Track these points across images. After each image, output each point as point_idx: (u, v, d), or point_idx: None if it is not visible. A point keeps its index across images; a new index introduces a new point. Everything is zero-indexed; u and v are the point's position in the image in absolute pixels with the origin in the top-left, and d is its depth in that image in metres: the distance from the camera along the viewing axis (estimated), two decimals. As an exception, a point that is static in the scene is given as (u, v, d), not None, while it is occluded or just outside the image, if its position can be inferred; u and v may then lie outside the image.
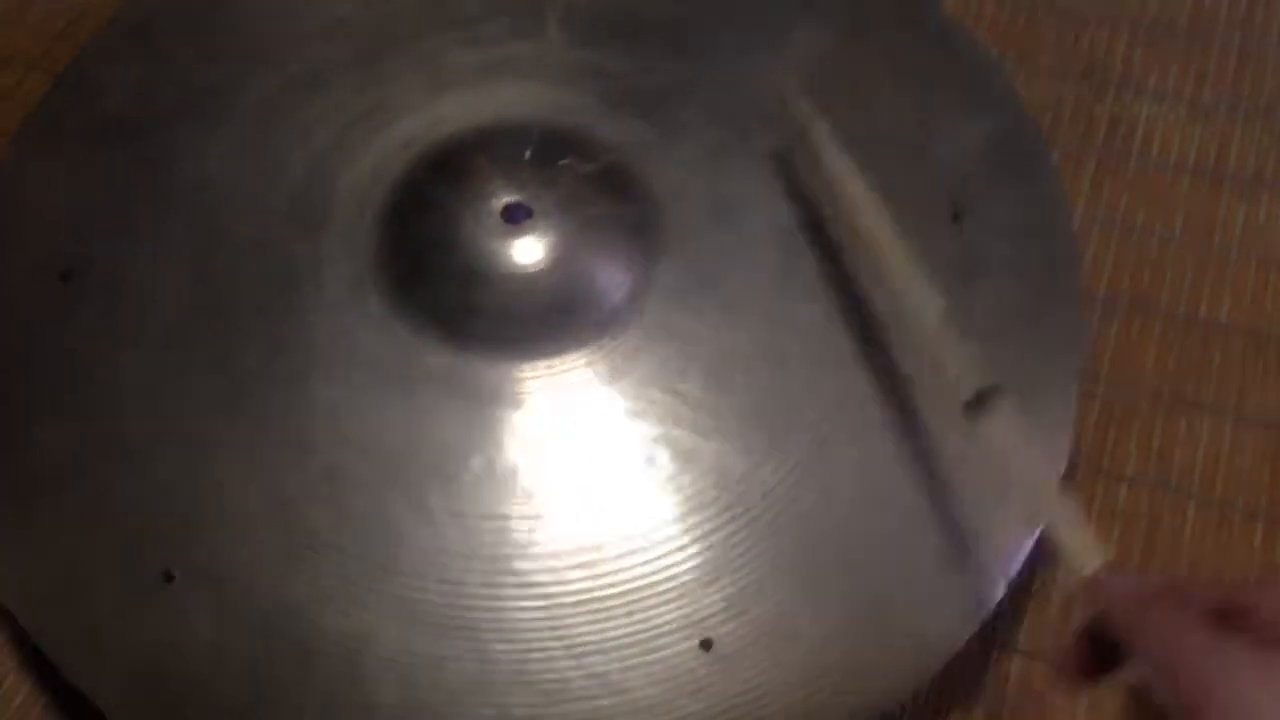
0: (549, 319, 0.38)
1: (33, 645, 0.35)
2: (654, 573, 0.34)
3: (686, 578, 0.34)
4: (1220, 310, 0.43)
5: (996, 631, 0.37)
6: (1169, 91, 0.48)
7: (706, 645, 0.34)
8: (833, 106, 0.41)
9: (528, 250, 0.39)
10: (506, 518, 0.35)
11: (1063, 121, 0.48)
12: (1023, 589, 0.38)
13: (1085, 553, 0.28)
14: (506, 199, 0.39)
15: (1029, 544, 0.35)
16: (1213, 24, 0.50)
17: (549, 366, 0.37)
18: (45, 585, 0.35)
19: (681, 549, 0.35)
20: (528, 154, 0.41)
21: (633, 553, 0.35)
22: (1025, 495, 0.34)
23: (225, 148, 0.41)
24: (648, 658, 0.33)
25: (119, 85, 0.43)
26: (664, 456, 0.36)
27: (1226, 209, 0.45)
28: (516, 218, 0.39)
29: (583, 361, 0.37)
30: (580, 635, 0.34)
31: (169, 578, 0.35)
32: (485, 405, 0.37)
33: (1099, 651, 0.27)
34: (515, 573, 0.35)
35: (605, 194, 0.40)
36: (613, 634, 0.34)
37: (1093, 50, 0.50)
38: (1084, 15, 0.50)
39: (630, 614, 0.34)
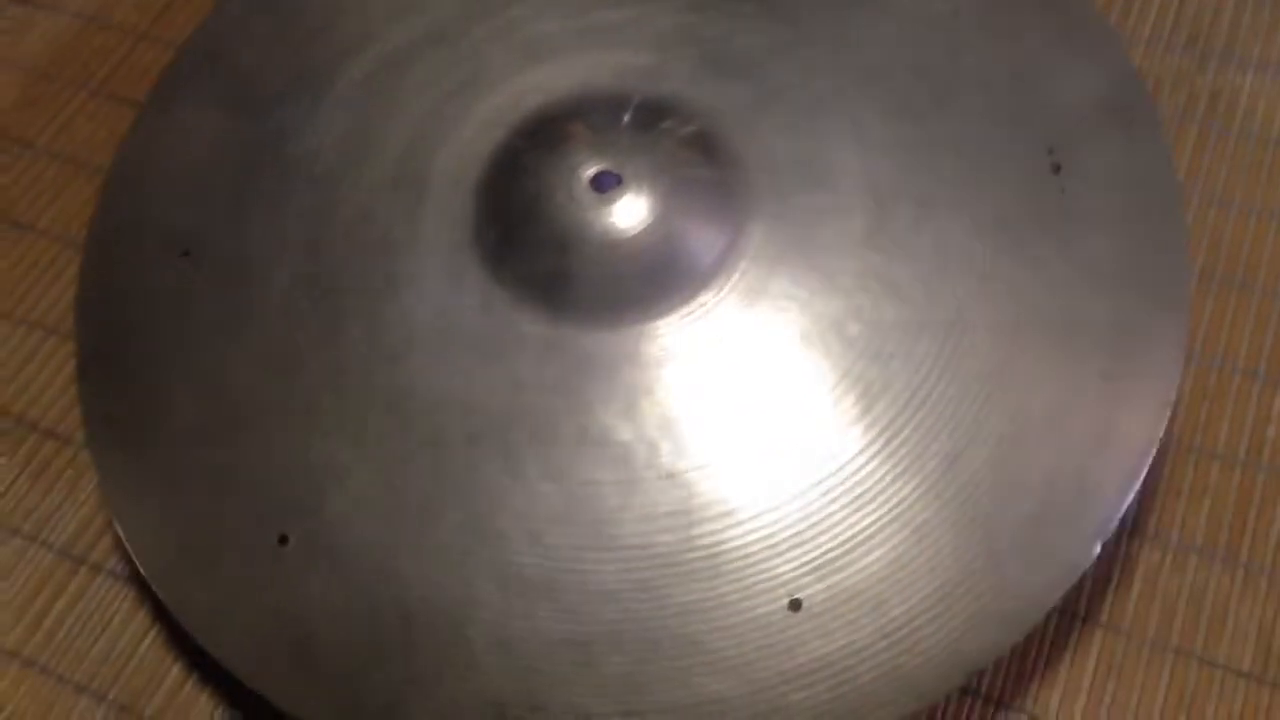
0: (642, 285, 0.39)
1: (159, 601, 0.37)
2: (744, 534, 0.35)
3: (776, 538, 0.35)
4: (1320, 287, 0.43)
5: (1080, 604, 0.37)
6: (1272, 63, 0.48)
7: (795, 605, 0.34)
8: (926, 50, 0.42)
9: (620, 217, 0.39)
10: (600, 483, 0.36)
11: (1163, 92, 0.47)
12: (1108, 564, 0.38)
13: None
14: (595, 167, 0.40)
15: (1122, 510, 0.35)
16: (1320, -6, 0.49)
17: (642, 333, 0.38)
18: (173, 551, 0.37)
19: (771, 510, 0.35)
20: (625, 119, 0.41)
21: (724, 515, 0.35)
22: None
23: (332, 124, 0.42)
24: (737, 618, 0.34)
25: (234, 65, 0.44)
26: (755, 420, 0.37)
27: (1329, 184, 0.45)
28: (606, 185, 0.40)
29: (675, 328, 0.38)
30: (669, 597, 0.35)
31: (284, 541, 0.37)
32: (581, 370, 0.38)
33: None
34: (609, 537, 0.36)
35: (696, 159, 0.41)
36: (701, 595, 0.35)
37: (1196, 20, 0.49)
38: (1187, -16, 0.50)
39: (717, 575, 0.35)
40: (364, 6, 0.45)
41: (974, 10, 0.43)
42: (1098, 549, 0.34)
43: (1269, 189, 0.45)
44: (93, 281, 0.42)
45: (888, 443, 0.36)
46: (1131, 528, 0.39)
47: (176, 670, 0.38)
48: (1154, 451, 0.35)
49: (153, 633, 0.39)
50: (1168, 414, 0.36)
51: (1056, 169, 0.39)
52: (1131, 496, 0.35)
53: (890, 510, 0.35)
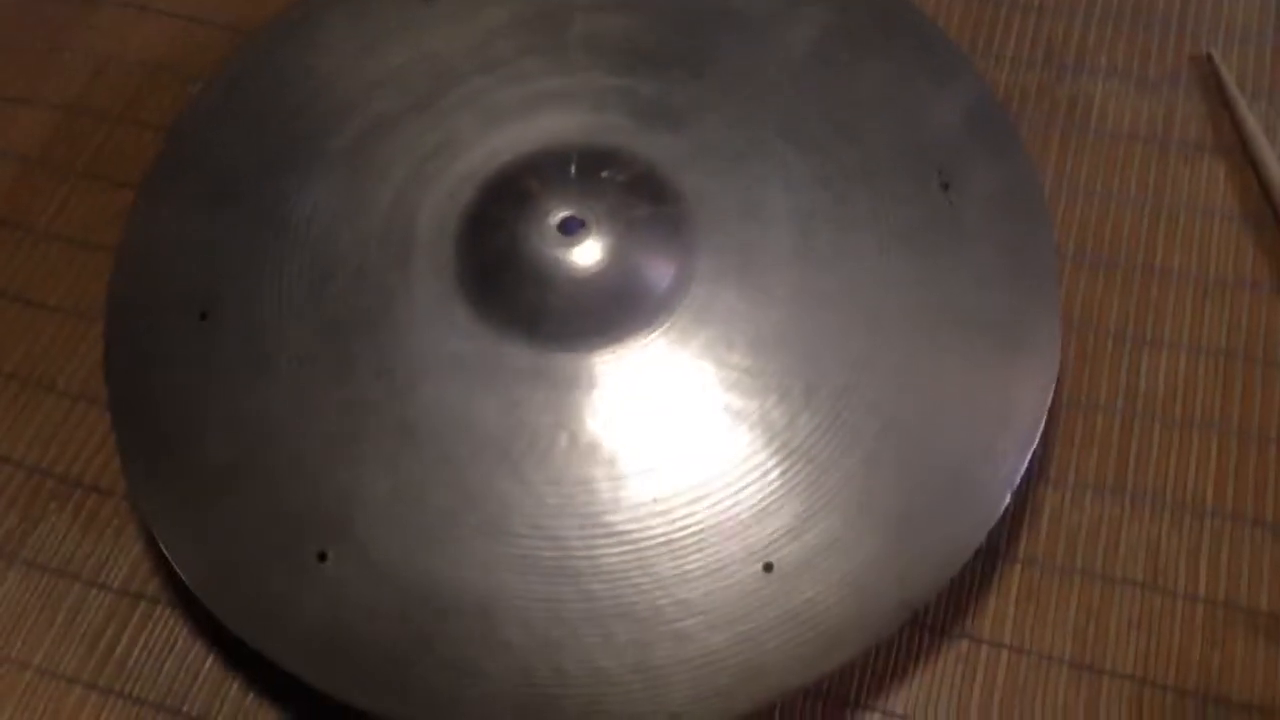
0: (610, 311, 0.45)
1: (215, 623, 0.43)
2: (719, 513, 0.42)
3: (746, 514, 0.42)
4: (1172, 259, 0.50)
5: (1000, 543, 0.45)
6: (1118, 70, 0.56)
7: (768, 568, 0.41)
8: (828, 96, 0.49)
9: (584, 255, 0.46)
10: (594, 480, 0.43)
11: (1029, 102, 0.55)
12: (1022, 505, 0.45)
13: None
14: (561, 214, 0.46)
15: (1025, 463, 0.42)
16: (1153, 7, 0.57)
17: (614, 352, 0.45)
18: (223, 576, 0.43)
19: (740, 491, 0.42)
20: (573, 172, 0.48)
21: (700, 499, 0.42)
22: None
23: (322, 189, 0.48)
24: (721, 583, 0.41)
25: (225, 141, 0.50)
26: (719, 416, 0.43)
27: (1174, 171, 0.53)
28: (571, 229, 0.46)
29: (642, 344, 0.45)
30: (664, 571, 0.41)
31: (323, 557, 0.42)
32: (565, 389, 0.44)
33: None
34: (606, 525, 0.42)
35: (644, 199, 0.47)
36: (690, 567, 0.41)
37: (1050, 38, 0.57)
38: (1042, 6, 0.57)
39: (702, 549, 0.42)
40: (343, 84, 0.51)
41: (865, 57, 0.50)
42: (1008, 498, 0.42)
43: (1123, 178, 0.53)
44: (118, 347, 0.47)
45: (830, 425, 0.43)
46: (1037, 475, 0.46)
47: (238, 682, 0.44)
48: (1045, 415, 0.43)
49: (213, 652, 0.45)
50: (1053, 384, 0.43)
51: (945, 187, 0.47)
52: (1030, 453, 0.42)
53: (838, 482, 0.42)
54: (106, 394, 0.46)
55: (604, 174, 0.48)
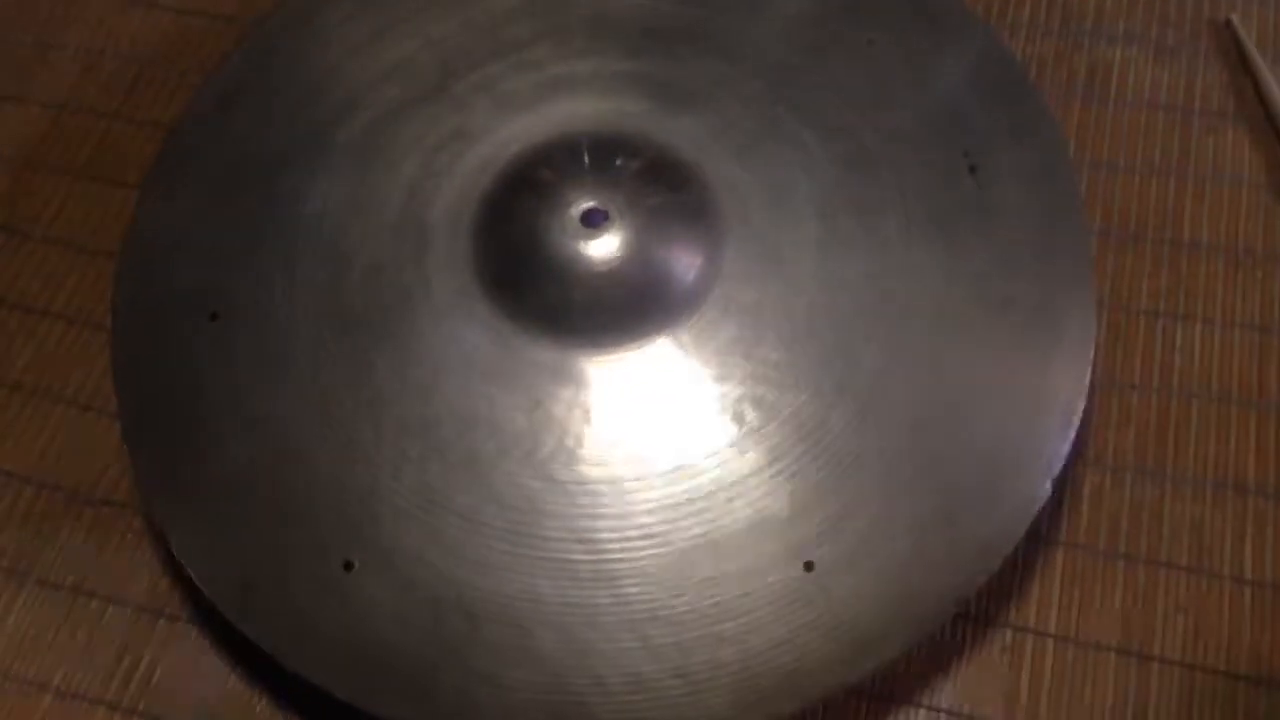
0: (635, 304, 0.44)
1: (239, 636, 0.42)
2: (756, 512, 0.41)
3: (784, 513, 0.41)
4: (1201, 232, 0.49)
5: (1041, 528, 0.44)
6: (1137, 36, 0.54)
7: (809, 566, 0.40)
8: (844, 72, 0.47)
9: (608, 248, 0.44)
10: (624, 480, 0.42)
11: (1046, 73, 0.54)
12: (1061, 489, 0.44)
13: None
14: (584, 205, 0.45)
15: (1065, 450, 0.41)
16: (1169, -31, 0.56)
17: (640, 347, 0.43)
18: (245, 584, 0.41)
19: (776, 489, 0.41)
20: (601, 160, 0.46)
21: (736, 498, 0.41)
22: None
23: (332, 184, 0.47)
24: (761, 582, 0.40)
25: (230, 136, 0.49)
26: (749, 413, 0.42)
27: (1197, 141, 0.52)
28: (595, 221, 0.45)
29: (670, 339, 0.43)
30: (702, 573, 0.40)
31: (349, 566, 0.41)
32: (591, 387, 0.43)
33: None
34: (639, 526, 0.41)
35: (664, 187, 0.46)
36: (729, 568, 0.40)
37: (1066, 4, 0.55)
38: (1054, -30, 0.56)
39: (741, 549, 0.40)
40: (350, 74, 0.49)
41: (880, 29, 0.49)
42: (1048, 487, 0.41)
43: (1145, 147, 0.52)
44: (125, 352, 0.46)
45: (864, 419, 0.42)
46: (1075, 457, 0.45)
47: (265, 697, 0.43)
48: (1084, 399, 0.42)
49: (238, 667, 0.43)
50: (1089, 368, 0.42)
51: (973, 170, 0.45)
52: (1070, 440, 0.41)
53: (875, 476, 0.41)
54: (116, 402, 0.45)
55: (620, 161, 0.46)
